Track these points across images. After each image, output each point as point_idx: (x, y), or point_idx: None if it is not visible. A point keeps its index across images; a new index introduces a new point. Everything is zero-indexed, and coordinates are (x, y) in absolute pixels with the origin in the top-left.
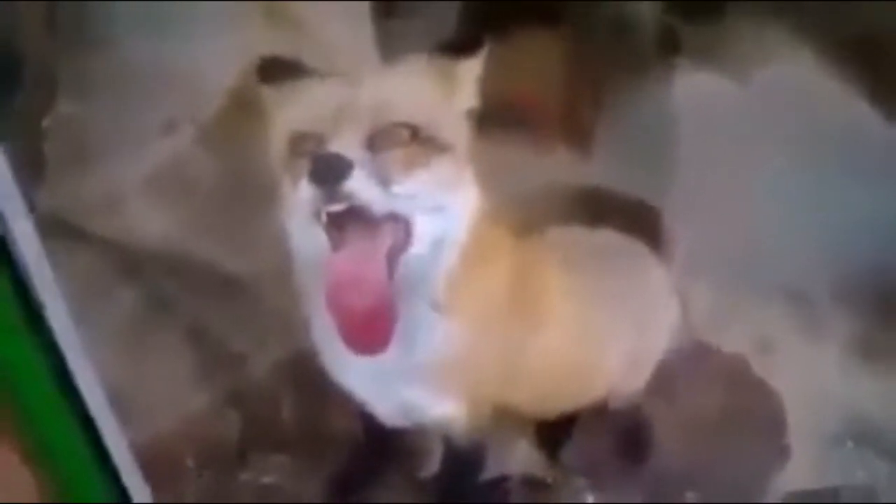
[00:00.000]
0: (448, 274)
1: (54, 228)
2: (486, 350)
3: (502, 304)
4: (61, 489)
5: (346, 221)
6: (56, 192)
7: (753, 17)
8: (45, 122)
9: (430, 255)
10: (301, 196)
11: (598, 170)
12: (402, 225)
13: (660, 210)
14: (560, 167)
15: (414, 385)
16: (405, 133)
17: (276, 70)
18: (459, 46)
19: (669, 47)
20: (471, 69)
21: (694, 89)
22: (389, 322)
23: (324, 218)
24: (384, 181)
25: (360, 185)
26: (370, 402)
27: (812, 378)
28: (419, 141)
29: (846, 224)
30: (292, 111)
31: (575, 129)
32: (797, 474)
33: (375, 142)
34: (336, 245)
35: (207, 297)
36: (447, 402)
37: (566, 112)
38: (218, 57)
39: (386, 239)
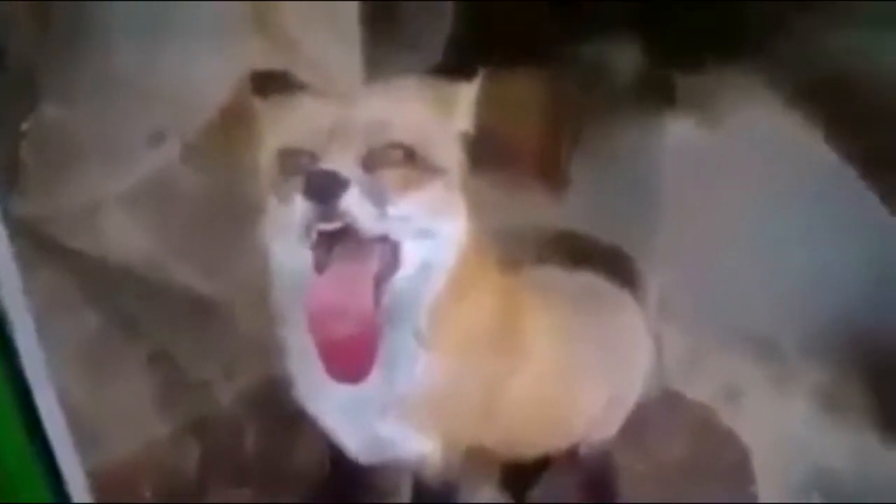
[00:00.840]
0: (433, 304)
1: (24, 236)
2: (466, 385)
3: (485, 339)
4: None
5: (335, 242)
6: (30, 198)
7: (726, 64)
8: (24, 125)
9: (416, 283)
10: (294, 212)
11: (573, 212)
12: (389, 248)
13: (632, 257)
14: (534, 208)
15: (390, 418)
16: (400, 153)
17: (270, 83)
18: (456, 70)
19: (646, 92)
20: (467, 93)
21: (668, 134)
22: (373, 350)
23: (313, 236)
24: (379, 202)
25: (356, 204)
26: (341, 435)
27: (778, 428)
28: (414, 162)
29: (816, 272)
30: (284, 126)
31: (551, 169)
32: None
33: (370, 161)
34: (321, 267)
35: (176, 319)
36: (422, 439)
37: (543, 152)
38: (209, 71)
39: (374, 263)
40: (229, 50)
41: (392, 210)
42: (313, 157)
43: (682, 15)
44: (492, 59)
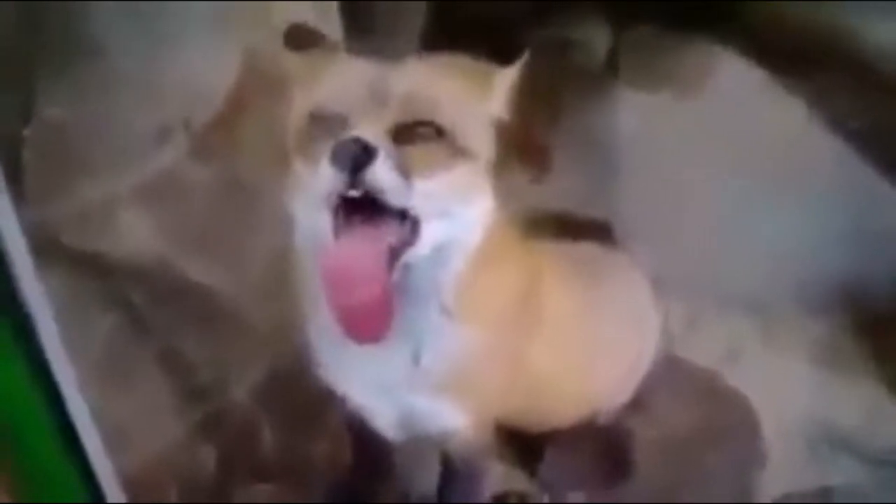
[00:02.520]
0: (458, 279)
1: (32, 241)
2: (494, 357)
3: (511, 310)
4: None
5: (356, 210)
6: (35, 202)
7: (700, 34)
8: (26, 131)
9: (437, 259)
10: (320, 178)
11: (558, 192)
12: (409, 224)
13: (610, 227)
14: (519, 190)
15: (420, 393)
16: (431, 131)
17: (303, 37)
18: (496, 53)
19: (617, 69)
20: (505, 78)
21: (646, 109)
22: (387, 312)
23: (334, 202)
24: (406, 175)
25: (382, 175)
26: (371, 412)
27: (783, 386)
28: (444, 142)
29: (802, 233)
30: (317, 87)
31: (533, 151)
32: (775, 480)
33: (400, 134)
34: (339, 233)
35: (187, 316)
36: (453, 413)
37: (523, 134)
38: (210, 62)
39: (392, 233)
40: (228, 40)
41: (419, 185)
42: (344, 122)
43: None
44: (466, 47)
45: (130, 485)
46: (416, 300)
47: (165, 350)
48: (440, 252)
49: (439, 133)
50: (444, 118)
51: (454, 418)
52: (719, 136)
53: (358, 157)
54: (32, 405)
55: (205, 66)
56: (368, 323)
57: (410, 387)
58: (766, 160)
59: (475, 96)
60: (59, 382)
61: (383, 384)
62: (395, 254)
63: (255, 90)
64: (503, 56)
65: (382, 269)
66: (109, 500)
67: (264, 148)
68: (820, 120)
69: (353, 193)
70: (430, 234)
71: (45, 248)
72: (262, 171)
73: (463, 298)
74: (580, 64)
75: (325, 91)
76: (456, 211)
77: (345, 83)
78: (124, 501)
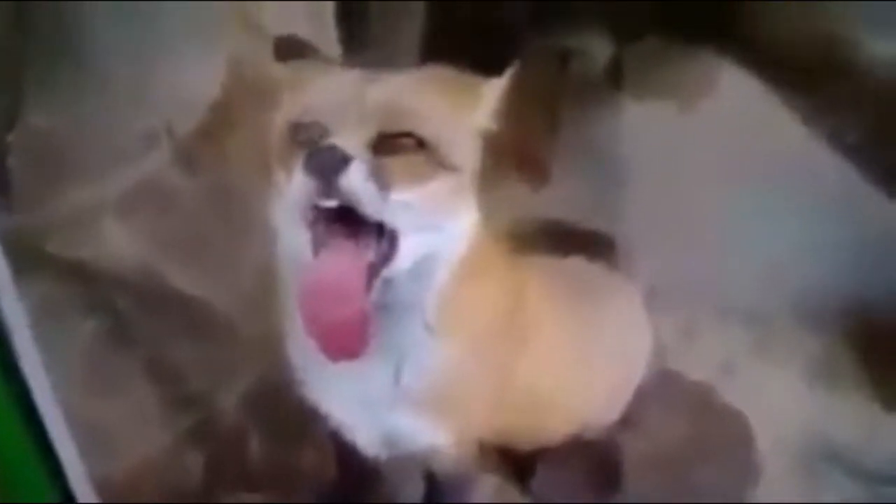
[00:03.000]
0: (440, 294)
1: (16, 248)
2: (478, 374)
3: (494, 327)
4: None
5: (335, 224)
6: (20, 210)
7: (702, 48)
8: (10, 137)
9: (418, 274)
10: (294, 186)
11: (555, 201)
12: (387, 238)
13: (613, 239)
14: (516, 199)
15: (402, 411)
16: (412, 142)
17: (293, 49)
18: (483, 63)
19: (618, 79)
20: (493, 89)
21: (644, 119)
22: (364, 329)
23: (311, 215)
24: (382, 185)
25: (357, 183)
26: (352, 429)
27: (778, 401)
28: (425, 154)
29: (801, 245)
30: (299, 97)
31: (532, 160)
32: (768, 497)
33: (380, 145)
34: (318, 249)
35: (173, 325)
36: (435, 431)
37: (522, 144)
38: (195, 70)
39: (370, 248)
40: (214, 48)
41: (396, 196)
42: (324, 132)
43: None
44: (466, 56)
45: (115, 492)
46: (397, 316)
47: (151, 358)
48: (421, 266)
49: (420, 145)
50: (426, 130)
51: (436, 436)
52: (719, 148)
53: (331, 164)
54: (5, 412)
55: (192, 74)
56: (345, 340)
57: (391, 405)
58: (766, 172)
59: (460, 108)
60: (33, 389)
61: (364, 402)
62: (374, 270)
63: (241, 98)
64: (498, 65)
65: (361, 287)
66: None
67: (250, 156)
68: (819, 132)
69: (328, 203)
70: (410, 248)
71: (29, 255)
72: (249, 179)
73: (445, 314)
74: (580, 73)
75: (306, 100)
76: (437, 224)
77: (327, 93)
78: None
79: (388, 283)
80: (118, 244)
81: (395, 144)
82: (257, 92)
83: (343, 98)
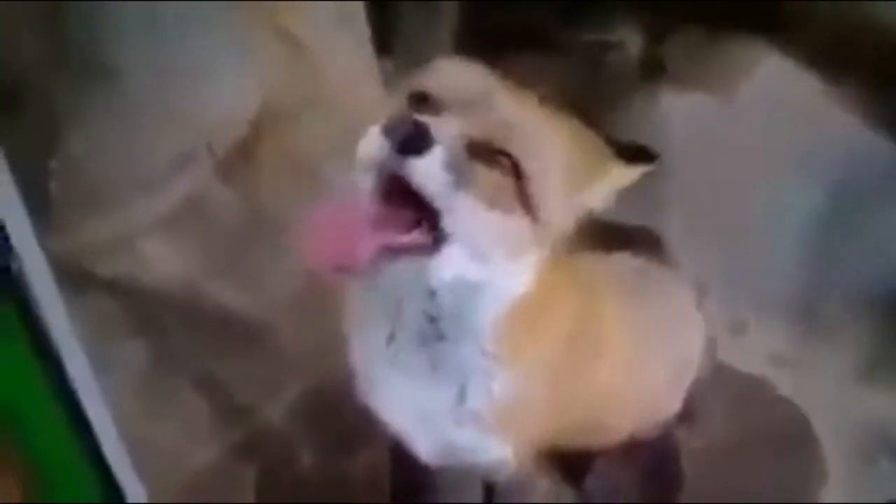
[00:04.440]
0: (497, 325)
1: (61, 272)
2: (546, 393)
3: (564, 347)
4: None
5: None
6: (64, 234)
7: (737, 35)
8: (52, 163)
9: (465, 298)
10: (367, 141)
11: None
12: (434, 232)
13: (660, 236)
14: None
15: (465, 427)
16: (509, 164)
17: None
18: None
19: (655, 69)
20: (624, 175)
21: (681, 110)
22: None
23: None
24: (458, 181)
25: (432, 170)
26: (414, 441)
27: (832, 395)
28: (517, 184)
29: (851, 237)
30: (424, 74)
31: None
32: (834, 495)
33: (475, 148)
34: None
35: (219, 341)
36: (499, 447)
37: None
38: (233, 87)
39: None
40: (249, 62)
41: (464, 199)
42: (438, 107)
43: None
44: (500, 52)
45: None
46: (456, 339)
47: (199, 373)
48: (469, 291)
49: (516, 174)
50: (530, 164)
51: (498, 452)
52: (762, 138)
53: (413, 142)
54: (61, 432)
55: (228, 90)
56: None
57: (455, 423)
58: (810, 162)
59: (577, 173)
60: (87, 408)
61: (426, 416)
62: (397, 251)
63: (279, 112)
64: (532, 62)
65: (367, 250)
66: None
67: (288, 169)
68: (869, 124)
69: (393, 172)
70: (454, 261)
71: (75, 277)
72: (287, 192)
73: (507, 342)
74: (617, 66)
75: (432, 76)
76: (489, 256)
77: (455, 78)
78: None
79: (432, 294)
80: (162, 262)
81: (492, 157)
82: (294, 104)
83: (468, 90)
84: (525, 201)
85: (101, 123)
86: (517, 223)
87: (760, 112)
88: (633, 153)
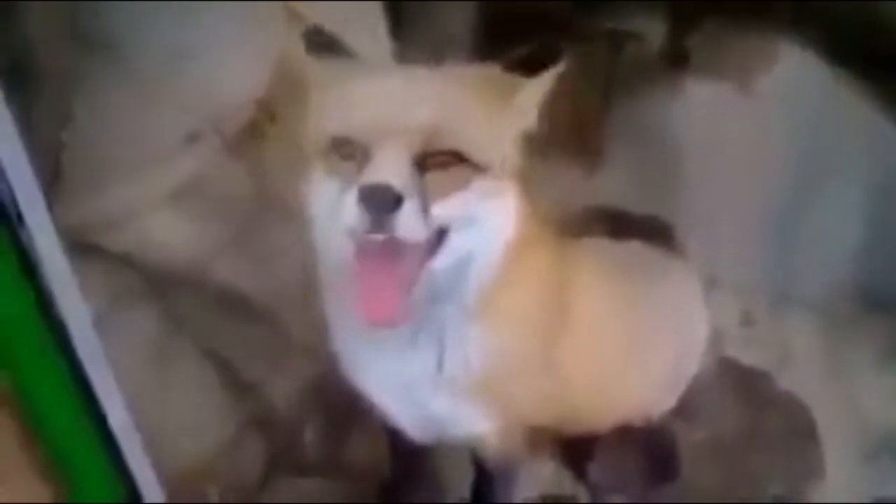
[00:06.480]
0: (480, 282)
1: (69, 245)
2: (520, 360)
3: (537, 313)
4: None
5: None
6: (73, 207)
7: (756, 27)
8: (64, 135)
9: (462, 265)
10: (345, 212)
11: (609, 186)
12: (436, 235)
13: (672, 226)
14: (569, 184)
15: (444, 397)
16: (452, 157)
17: (321, 42)
18: (530, 61)
19: (678, 59)
20: (533, 90)
21: (699, 102)
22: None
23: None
24: (424, 205)
25: (407, 219)
26: (395, 413)
27: (837, 390)
28: (465, 164)
29: (863, 232)
30: (337, 112)
31: (584, 145)
32: (830, 490)
33: (423, 163)
34: (360, 247)
35: (224, 319)
36: (478, 417)
37: (576, 128)
38: (241, 65)
39: (414, 254)
40: (261, 44)
41: (437, 210)
42: (366, 151)
43: None
44: (519, 39)
45: (170, 485)
46: (438, 304)
47: (205, 352)
48: (465, 257)
49: (460, 159)
50: (467, 146)
51: (477, 423)
52: (779, 129)
53: (386, 204)
54: (71, 408)
55: (239, 70)
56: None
57: (434, 391)
58: (827, 154)
59: (499, 113)
60: (95, 382)
61: (406, 387)
62: (421, 262)
63: (287, 94)
64: (552, 53)
65: (407, 287)
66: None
67: (297, 153)
68: (889, 118)
69: (377, 237)
70: (456, 243)
71: (84, 251)
72: (294, 173)
73: (486, 301)
74: (635, 56)
75: (346, 117)
76: (477, 216)
77: (367, 110)
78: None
79: (431, 273)
80: (168, 239)
81: (435, 161)
82: (303, 87)
83: (385, 116)
84: (475, 168)
85: (110, 98)
86: (478, 186)
87: (780, 104)
88: (535, 64)
